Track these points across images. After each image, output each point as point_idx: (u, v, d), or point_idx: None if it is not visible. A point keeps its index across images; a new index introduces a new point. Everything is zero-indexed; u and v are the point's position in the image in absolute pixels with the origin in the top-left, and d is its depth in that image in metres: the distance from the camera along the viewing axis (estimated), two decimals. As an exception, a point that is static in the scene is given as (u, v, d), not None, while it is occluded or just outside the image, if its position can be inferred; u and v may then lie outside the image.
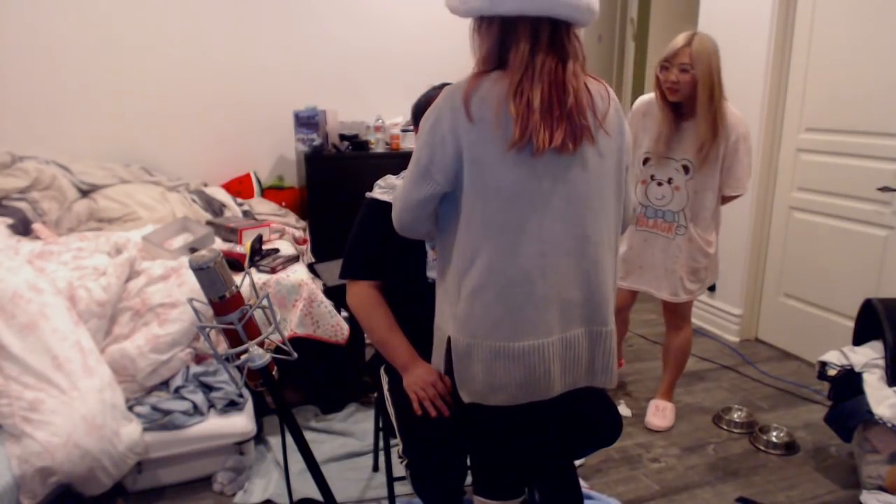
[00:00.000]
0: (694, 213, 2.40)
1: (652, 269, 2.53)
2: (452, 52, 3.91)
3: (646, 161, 2.45)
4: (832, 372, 2.30)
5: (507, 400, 1.31)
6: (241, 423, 2.16)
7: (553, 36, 1.21)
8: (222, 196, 3.33)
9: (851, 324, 2.43)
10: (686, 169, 2.36)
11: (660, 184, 2.43)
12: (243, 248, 2.63)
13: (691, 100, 2.27)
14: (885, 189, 2.73)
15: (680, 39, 2.25)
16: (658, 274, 2.52)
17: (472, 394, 1.33)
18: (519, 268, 1.24)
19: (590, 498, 2.11)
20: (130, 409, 2.06)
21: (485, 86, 1.23)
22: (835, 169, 2.99)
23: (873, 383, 2.15)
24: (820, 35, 2.99)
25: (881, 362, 2.19)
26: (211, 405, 2.17)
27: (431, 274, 1.72)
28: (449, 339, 1.35)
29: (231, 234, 2.79)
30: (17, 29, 3.13)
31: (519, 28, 1.20)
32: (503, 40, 1.23)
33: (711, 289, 3.63)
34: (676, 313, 2.59)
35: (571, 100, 1.21)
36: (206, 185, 3.48)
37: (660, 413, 2.65)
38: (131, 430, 1.96)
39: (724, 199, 2.44)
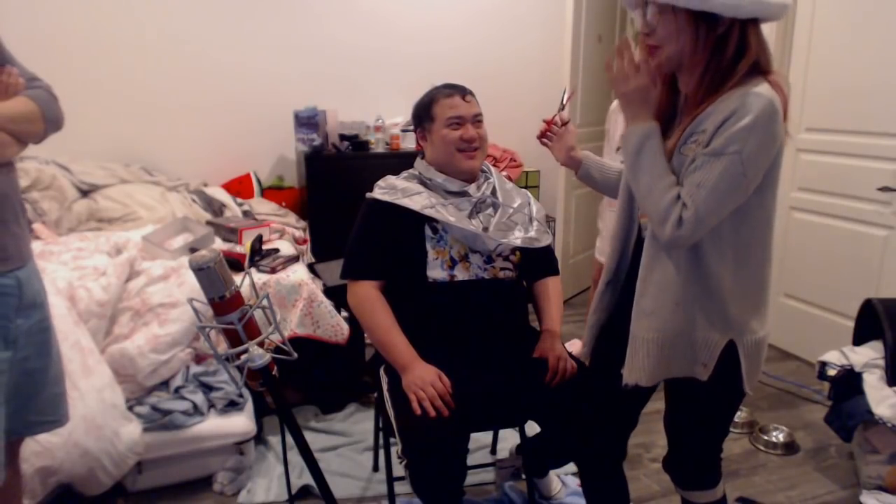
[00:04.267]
0: None
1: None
2: (453, 53, 3.91)
3: (618, 149, 2.70)
4: (832, 372, 2.30)
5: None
6: (241, 423, 2.16)
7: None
8: (222, 196, 3.33)
9: (851, 324, 2.43)
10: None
11: None
12: (243, 248, 2.63)
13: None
14: (885, 189, 2.73)
15: None
16: None
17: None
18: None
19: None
20: (130, 409, 2.05)
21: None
22: (835, 169, 2.99)
23: (873, 383, 2.15)
24: (820, 35, 2.99)
25: (881, 362, 2.19)
26: (211, 405, 2.17)
27: (432, 274, 1.72)
28: (731, 342, 1.33)
29: (231, 234, 2.79)
30: (16, 29, 3.13)
31: (757, 27, 1.25)
32: (758, 40, 1.25)
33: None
34: None
35: None
36: (206, 185, 3.48)
37: None
38: (131, 430, 1.96)
39: None
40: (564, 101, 1.79)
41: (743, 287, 1.31)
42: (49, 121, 1.41)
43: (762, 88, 1.20)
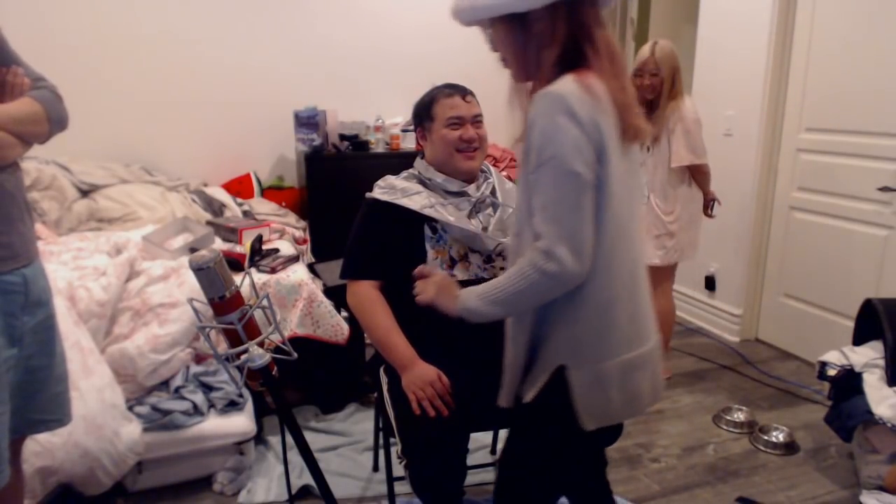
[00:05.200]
0: (653, 185, 2.87)
1: None
2: (452, 53, 3.91)
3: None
4: (832, 372, 2.30)
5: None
6: (241, 423, 2.16)
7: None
8: (222, 196, 3.33)
9: (851, 324, 2.43)
10: (648, 149, 2.86)
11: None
12: (243, 248, 2.63)
13: (660, 97, 2.76)
14: (885, 189, 2.73)
15: (645, 50, 2.75)
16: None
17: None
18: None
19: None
20: (130, 409, 2.05)
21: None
22: (835, 169, 2.99)
23: (873, 383, 2.15)
24: (820, 35, 2.99)
25: (881, 362, 2.19)
26: (211, 405, 2.17)
27: (431, 274, 1.72)
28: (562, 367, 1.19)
29: (231, 234, 2.79)
30: (16, 29, 3.12)
31: (587, 12, 1.14)
32: (579, 26, 1.13)
33: (711, 288, 3.63)
34: (653, 277, 2.89)
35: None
36: (206, 185, 3.48)
37: None
38: (131, 430, 1.96)
39: (692, 175, 2.84)
40: None
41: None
42: (54, 122, 1.41)
43: (557, 84, 1.08)
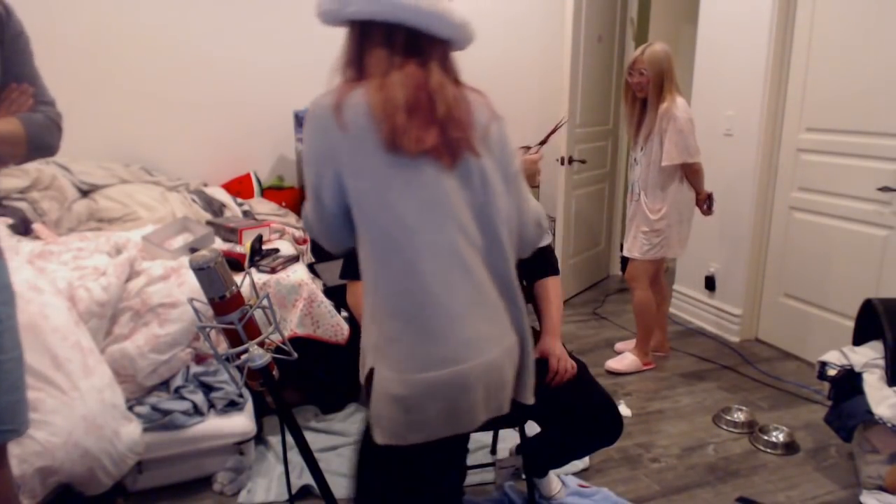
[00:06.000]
0: (644, 184, 2.96)
1: (629, 230, 3.11)
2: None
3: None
4: (832, 372, 2.30)
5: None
6: (241, 423, 2.16)
7: (412, 45, 1.14)
8: (222, 196, 3.33)
9: (851, 324, 2.43)
10: (641, 148, 2.96)
11: (634, 163, 3.06)
12: (243, 248, 2.63)
13: (651, 96, 2.87)
14: (885, 189, 2.73)
15: (638, 51, 2.88)
16: (629, 234, 3.09)
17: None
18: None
19: (587, 496, 2.11)
20: (130, 409, 2.05)
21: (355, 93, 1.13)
22: (835, 169, 2.99)
23: (873, 383, 2.15)
24: (820, 35, 2.99)
25: (881, 362, 2.19)
26: (211, 405, 2.17)
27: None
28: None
29: (231, 234, 2.79)
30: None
31: (374, 32, 1.14)
32: (361, 45, 1.15)
33: (711, 288, 3.63)
34: (630, 272, 3.10)
35: (443, 108, 1.12)
36: (206, 185, 3.48)
37: (619, 358, 3.14)
38: (131, 430, 1.96)
39: (685, 174, 2.90)
40: (551, 133, 1.77)
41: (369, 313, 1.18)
42: (33, 147, 1.38)
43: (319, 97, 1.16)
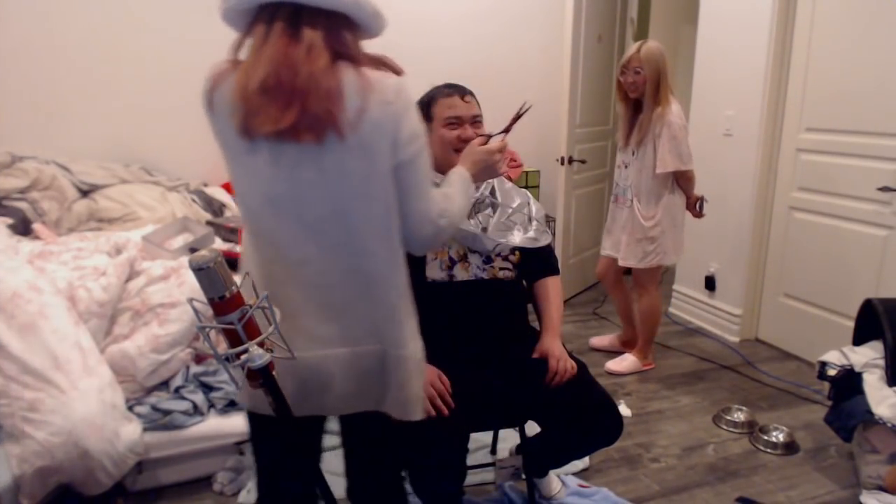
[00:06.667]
0: (637, 190, 2.88)
1: (614, 234, 3.05)
2: (452, 52, 3.91)
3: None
4: (832, 372, 2.30)
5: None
6: (241, 423, 2.16)
7: (292, 20, 1.12)
8: (222, 196, 3.33)
9: (851, 324, 2.43)
10: (633, 153, 2.87)
11: (623, 166, 2.98)
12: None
13: (645, 97, 2.76)
14: (885, 189, 2.73)
15: (633, 48, 2.76)
16: (617, 240, 3.02)
17: None
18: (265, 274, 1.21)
19: (587, 496, 2.11)
20: (130, 409, 2.06)
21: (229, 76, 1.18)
22: (835, 169, 2.99)
23: (873, 383, 2.15)
24: (820, 35, 2.99)
25: (881, 362, 2.19)
26: (211, 405, 2.17)
27: (430, 274, 1.72)
28: None
29: (231, 234, 2.79)
30: (17, 29, 3.13)
31: (258, 14, 1.15)
32: (251, 26, 1.18)
33: (711, 288, 3.63)
34: (637, 279, 3.02)
35: (304, 77, 1.09)
36: (206, 185, 3.48)
37: (618, 359, 3.11)
38: (131, 430, 1.96)
39: (676, 180, 2.84)
40: (514, 120, 1.68)
41: None
42: None
43: None
